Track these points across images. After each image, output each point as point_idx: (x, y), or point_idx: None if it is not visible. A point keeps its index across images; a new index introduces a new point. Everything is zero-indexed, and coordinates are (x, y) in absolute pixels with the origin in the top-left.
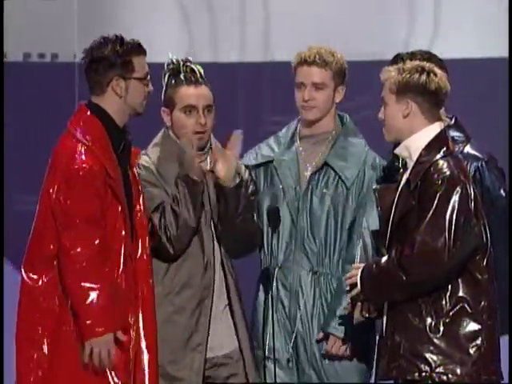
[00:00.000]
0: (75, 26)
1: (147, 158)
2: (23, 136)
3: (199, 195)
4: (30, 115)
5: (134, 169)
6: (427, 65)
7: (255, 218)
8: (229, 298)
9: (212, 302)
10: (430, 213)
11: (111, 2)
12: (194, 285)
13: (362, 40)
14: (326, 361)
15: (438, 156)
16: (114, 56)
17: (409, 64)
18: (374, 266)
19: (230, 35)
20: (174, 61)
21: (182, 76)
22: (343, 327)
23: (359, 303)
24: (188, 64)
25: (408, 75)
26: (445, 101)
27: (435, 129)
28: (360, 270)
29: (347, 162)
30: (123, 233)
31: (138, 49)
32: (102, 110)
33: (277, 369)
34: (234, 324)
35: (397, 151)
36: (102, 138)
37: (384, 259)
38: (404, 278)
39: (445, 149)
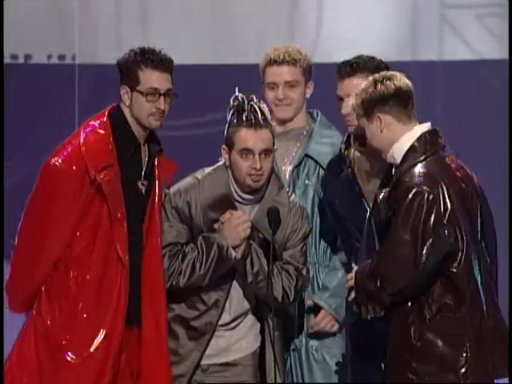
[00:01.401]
0: (76, 28)
1: (195, 183)
2: (23, 137)
3: (226, 268)
4: (30, 116)
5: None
6: (376, 76)
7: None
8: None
9: (211, 338)
10: (397, 222)
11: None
12: (193, 318)
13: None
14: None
15: (412, 162)
16: (123, 65)
17: (363, 84)
18: (362, 270)
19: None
20: (240, 98)
21: (244, 116)
22: (334, 304)
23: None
24: (252, 103)
25: (364, 94)
26: (413, 98)
27: (415, 134)
28: (354, 272)
29: (326, 151)
30: (113, 237)
31: (148, 62)
32: (120, 115)
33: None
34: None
35: (388, 160)
36: (102, 143)
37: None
38: (378, 285)
39: (421, 153)
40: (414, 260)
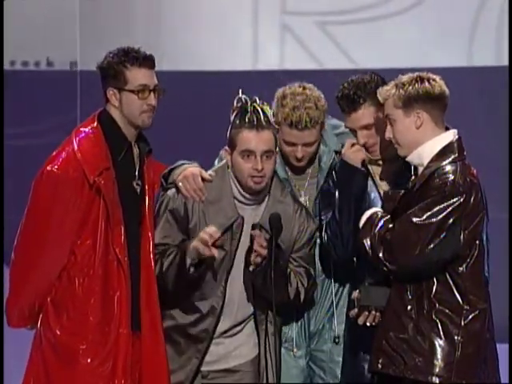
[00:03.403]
0: (77, 33)
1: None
2: (23, 145)
3: (185, 275)
4: (31, 124)
5: (148, 185)
6: (423, 73)
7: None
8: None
9: (209, 345)
10: (420, 206)
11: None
12: (190, 325)
13: None
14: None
15: (446, 162)
16: (108, 67)
17: (404, 77)
18: (376, 226)
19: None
20: (243, 99)
21: (246, 117)
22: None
23: (366, 312)
24: (255, 105)
25: (410, 87)
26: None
27: (448, 137)
28: (367, 216)
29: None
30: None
31: (133, 61)
32: (109, 118)
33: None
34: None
35: (408, 159)
36: (96, 147)
37: (381, 223)
38: (381, 254)
39: (455, 155)
40: (421, 246)
